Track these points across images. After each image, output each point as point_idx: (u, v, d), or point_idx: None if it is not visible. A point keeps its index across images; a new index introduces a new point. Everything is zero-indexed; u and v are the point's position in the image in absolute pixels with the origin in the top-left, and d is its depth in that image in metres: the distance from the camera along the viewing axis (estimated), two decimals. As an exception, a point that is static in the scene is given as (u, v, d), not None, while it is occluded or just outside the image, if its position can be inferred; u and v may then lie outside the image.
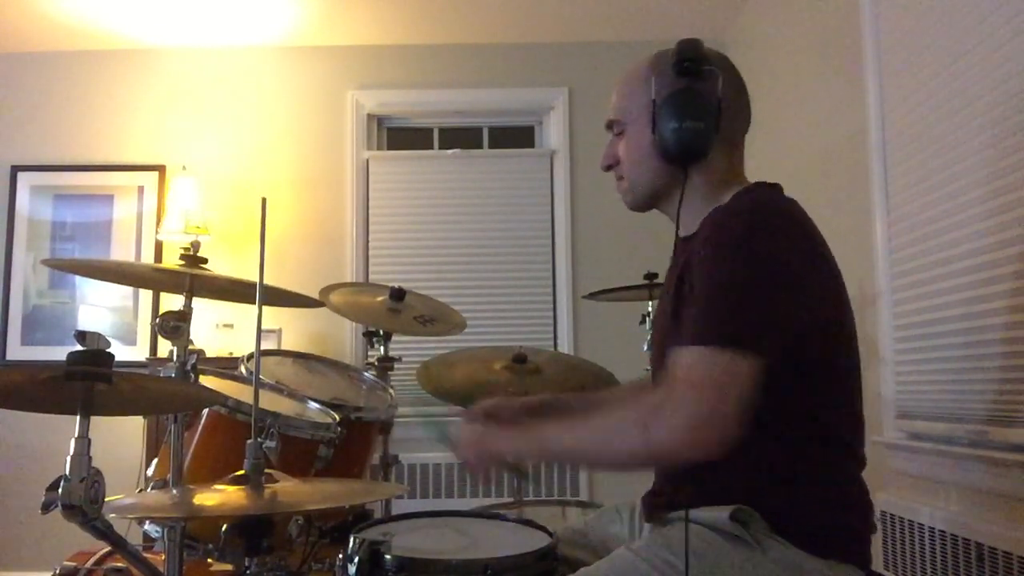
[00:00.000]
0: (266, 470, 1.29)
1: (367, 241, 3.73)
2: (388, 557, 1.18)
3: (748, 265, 1.10)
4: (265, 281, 1.38)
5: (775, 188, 1.27)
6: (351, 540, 1.21)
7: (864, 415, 1.24)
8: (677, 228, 1.30)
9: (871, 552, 1.21)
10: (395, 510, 2.24)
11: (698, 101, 1.23)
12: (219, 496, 1.26)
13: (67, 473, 1.03)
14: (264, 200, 1.36)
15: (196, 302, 1.72)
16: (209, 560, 1.74)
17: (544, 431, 1.22)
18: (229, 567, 1.70)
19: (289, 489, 1.30)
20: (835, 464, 1.19)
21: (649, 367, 1.46)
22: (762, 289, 1.09)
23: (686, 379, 1.07)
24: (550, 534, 1.34)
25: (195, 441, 1.79)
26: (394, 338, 2.43)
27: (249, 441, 1.28)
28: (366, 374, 2.40)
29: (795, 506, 1.15)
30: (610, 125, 1.35)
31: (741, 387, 1.04)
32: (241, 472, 1.28)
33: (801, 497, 1.15)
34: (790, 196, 1.25)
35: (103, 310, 3.64)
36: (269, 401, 1.85)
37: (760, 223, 1.14)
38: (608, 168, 1.36)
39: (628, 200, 1.35)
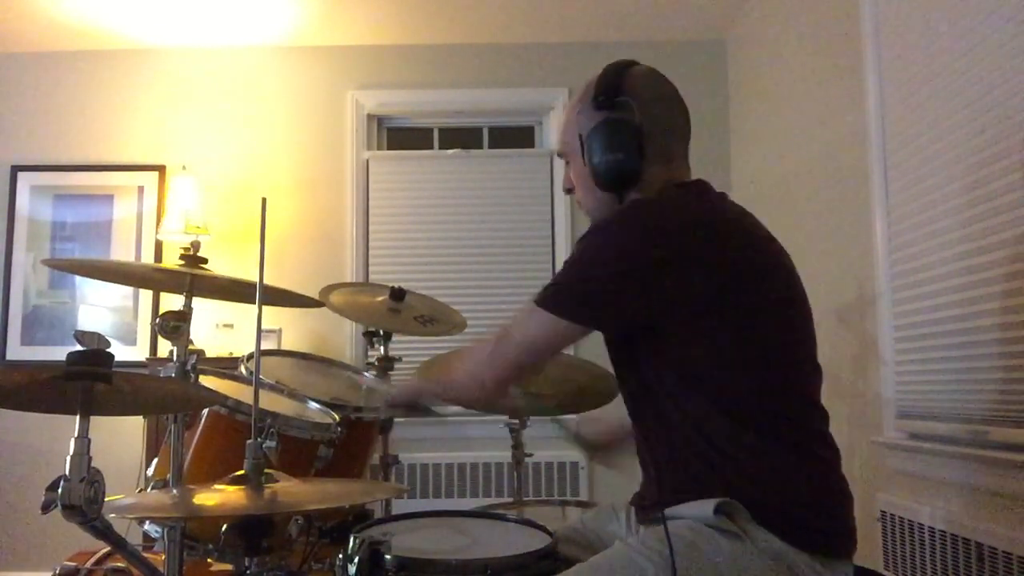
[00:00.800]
0: (266, 470, 1.30)
1: (367, 241, 3.73)
2: (388, 557, 1.18)
3: (598, 254, 1.23)
4: (265, 281, 1.38)
5: (683, 188, 1.31)
6: (351, 540, 1.21)
7: (825, 408, 1.27)
8: None
9: (855, 540, 1.21)
10: (395, 510, 2.24)
11: (616, 134, 1.29)
12: (219, 496, 1.26)
13: (67, 473, 1.03)
14: (264, 200, 1.36)
15: (196, 302, 1.72)
16: (209, 560, 1.74)
17: (431, 380, 1.65)
18: (229, 567, 1.70)
19: (289, 489, 1.30)
20: (805, 455, 1.20)
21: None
22: (605, 271, 1.21)
23: (504, 327, 1.32)
24: (550, 534, 1.34)
25: (195, 441, 1.79)
26: (394, 338, 2.43)
27: (249, 441, 1.28)
28: (366, 374, 2.40)
29: (771, 498, 1.16)
30: (559, 155, 1.47)
31: (537, 340, 1.28)
32: (241, 472, 1.28)
33: (776, 490, 1.17)
34: (721, 194, 1.33)
35: (103, 310, 3.64)
36: (269, 401, 1.85)
37: (624, 224, 1.24)
38: (568, 192, 1.45)
39: (591, 219, 1.43)
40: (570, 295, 1.25)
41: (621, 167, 1.29)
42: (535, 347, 1.30)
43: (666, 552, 1.12)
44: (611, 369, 1.58)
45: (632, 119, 1.29)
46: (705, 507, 1.15)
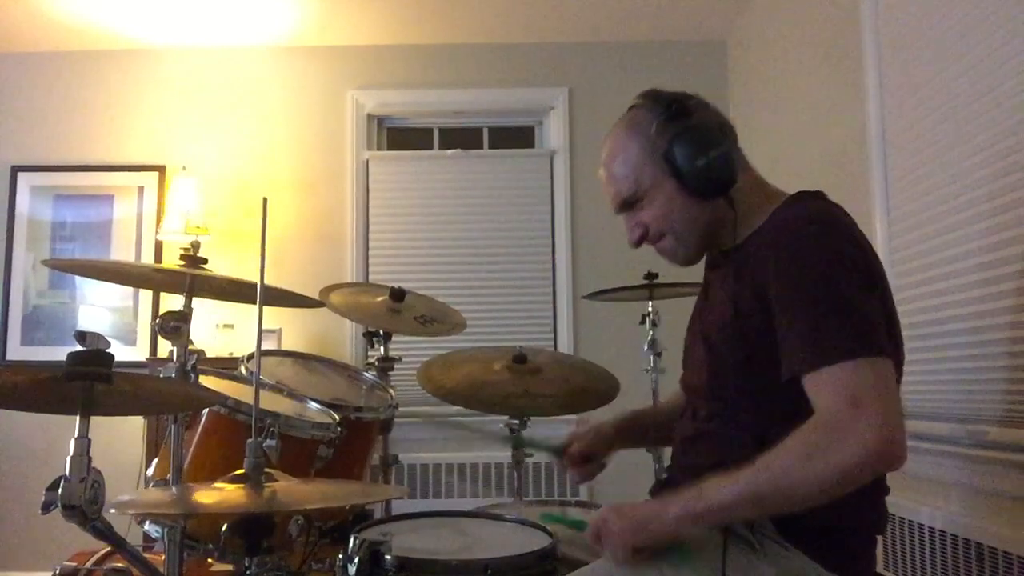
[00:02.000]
0: (266, 469, 1.30)
1: (367, 241, 3.73)
2: (388, 557, 1.18)
3: (844, 270, 1.11)
4: (265, 281, 1.37)
5: (820, 195, 1.28)
6: (351, 540, 1.21)
7: None
8: (721, 249, 1.30)
9: (876, 560, 1.21)
10: (395, 510, 2.24)
11: (707, 132, 1.24)
12: (219, 494, 1.26)
13: (67, 473, 1.03)
14: (265, 200, 1.35)
15: (196, 302, 1.72)
16: (209, 560, 1.74)
17: (704, 492, 1.08)
18: (229, 567, 1.70)
19: (289, 488, 1.30)
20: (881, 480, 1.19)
21: (682, 380, 1.44)
22: (862, 290, 1.10)
23: (846, 398, 1.03)
24: (550, 534, 1.34)
25: (195, 441, 1.79)
26: (394, 338, 2.43)
27: (249, 440, 1.28)
28: (366, 374, 2.40)
29: (809, 511, 1.11)
30: (624, 205, 1.32)
31: (892, 389, 1.06)
32: (241, 471, 1.28)
33: (842, 512, 1.12)
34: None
35: (103, 310, 3.64)
36: (269, 401, 1.85)
37: (834, 228, 1.16)
38: (640, 242, 1.33)
39: (680, 255, 1.33)
40: (856, 332, 1.07)
41: (725, 161, 1.23)
42: (889, 392, 1.06)
43: (673, 560, 1.11)
44: (611, 369, 1.58)
45: (713, 117, 1.27)
46: None
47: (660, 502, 1.14)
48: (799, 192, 1.29)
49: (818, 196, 1.28)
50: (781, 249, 1.15)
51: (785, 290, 1.12)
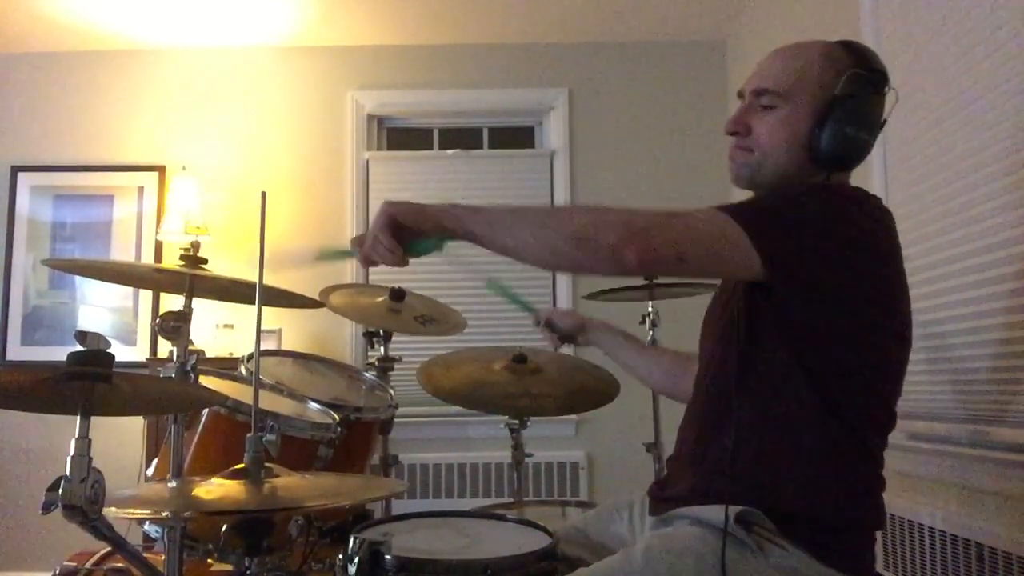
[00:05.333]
0: (266, 464, 1.30)
1: (367, 241, 3.72)
2: (388, 557, 1.18)
3: (815, 203, 1.14)
4: (265, 281, 1.37)
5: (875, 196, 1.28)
6: (351, 540, 1.21)
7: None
8: None
9: (875, 557, 1.21)
10: (395, 510, 2.24)
11: (873, 115, 1.23)
12: (218, 490, 1.26)
13: (67, 473, 1.03)
14: (264, 194, 1.35)
15: (196, 302, 1.71)
16: (209, 560, 1.74)
17: (467, 205, 1.15)
18: (229, 567, 1.70)
19: (289, 484, 1.30)
20: (860, 459, 1.18)
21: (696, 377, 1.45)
22: (810, 218, 1.12)
23: (679, 211, 1.10)
24: (550, 534, 1.34)
25: (195, 441, 1.79)
26: (394, 338, 2.43)
27: (249, 435, 1.28)
28: (366, 374, 2.39)
29: (812, 496, 1.14)
30: (757, 92, 1.27)
31: (727, 251, 1.08)
32: (241, 466, 1.28)
33: (820, 487, 1.14)
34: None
35: (103, 310, 3.63)
36: (269, 401, 1.85)
37: (832, 193, 1.19)
38: (735, 133, 1.28)
39: (744, 174, 1.28)
40: (767, 217, 1.11)
41: (860, 150, 1.21)
42: (700, 242, 1.09)
43: (672, 562, 1.11)
44: (610, 369, 1.57)
45: (884, 110, 1.25)
46: (722, 512, 1.11)
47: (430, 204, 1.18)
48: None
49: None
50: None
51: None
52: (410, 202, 1.17)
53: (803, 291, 1.12)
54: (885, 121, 1.27)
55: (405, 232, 1.17)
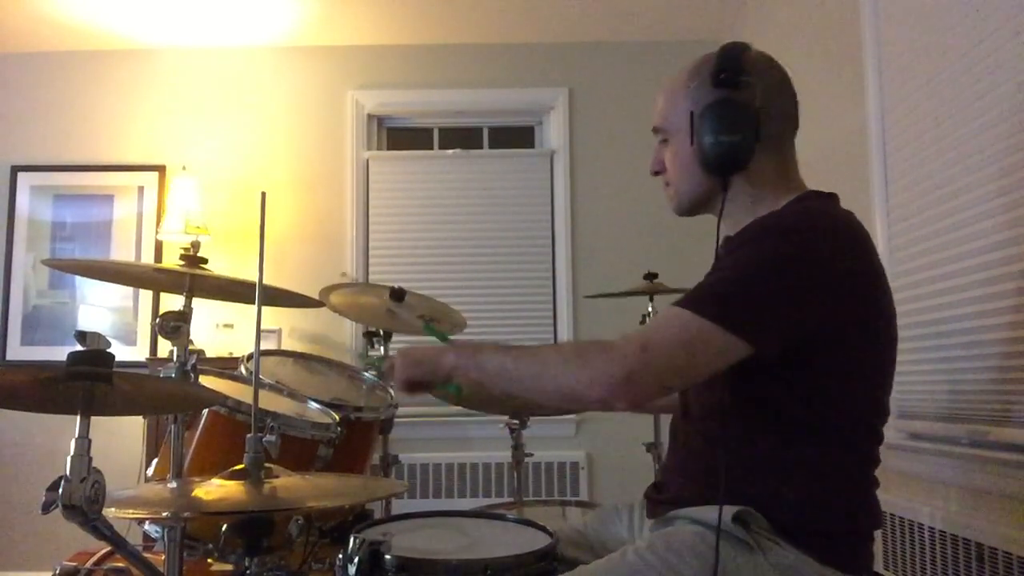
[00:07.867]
0: (266, 464, 1.30)
1: (367, 241, 3.73)
2: (388, 557, 1.18)
3: (774, 259, 1.13)
4: (265, 281, 1.38)
5: (831, 198, 1.27)
6: (351, 540, 1.21)
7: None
8: (718, 237, 1.29)
9: (873, 555, 1.21)
10: (395, 510, 2.24)
11: (735, 113, 1.23)
12: (218, 491, 1.26)
13: (67, 473, 1.03)
14: (263, 194, 1.35)
15: (196, 302, 1.72)
16: (209, 560, 1.74)
17: (483, 347, 1.23)
18: (229, 567, 1.70)
19: (289, 484, 1.30)
20: (850, 465, 1.19)
21: None
22: (780, 284, 1.11)
23: (644, 334, 1.14)
24: (550, 534, 1.34)
25: (195, 441, 1.79)
26: (394, 338, 2.43)
27: (249, 435, 1.28)
28: (366, 374, 2.40)
29: (805, 507, 1.14)
30: (655, 131, 1.36)
31: (692, 352, 1.09)
32: (240, 467, 1.28)
33: (812, 498, 1.15)
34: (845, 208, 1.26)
35: (103, 310, 3.64)
36: (269, 401, 1.85)
37: (800, 226, 1.17)
38: (656, 174, 1.38)
39: (673, 206, 1.37)
40: (732, 299, 1.11)
41: (736, 150, 1.22)
42: (678, 366, 1.11)
43: (673, 560, 1.11)
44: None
45: (753, 101, 1.24)
46: (718, 512, 1.11)
47: (442, 348, 1.27)
48: (810, 191, 1.28)
49: (828, 198, 1.27)
50: (747, 238, 1.20)
51: (723, 262, 1.20)
52: (422, 360, 1.26)
53: (792, 341, 1.14)
54: (759, 111, 1.24)
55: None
